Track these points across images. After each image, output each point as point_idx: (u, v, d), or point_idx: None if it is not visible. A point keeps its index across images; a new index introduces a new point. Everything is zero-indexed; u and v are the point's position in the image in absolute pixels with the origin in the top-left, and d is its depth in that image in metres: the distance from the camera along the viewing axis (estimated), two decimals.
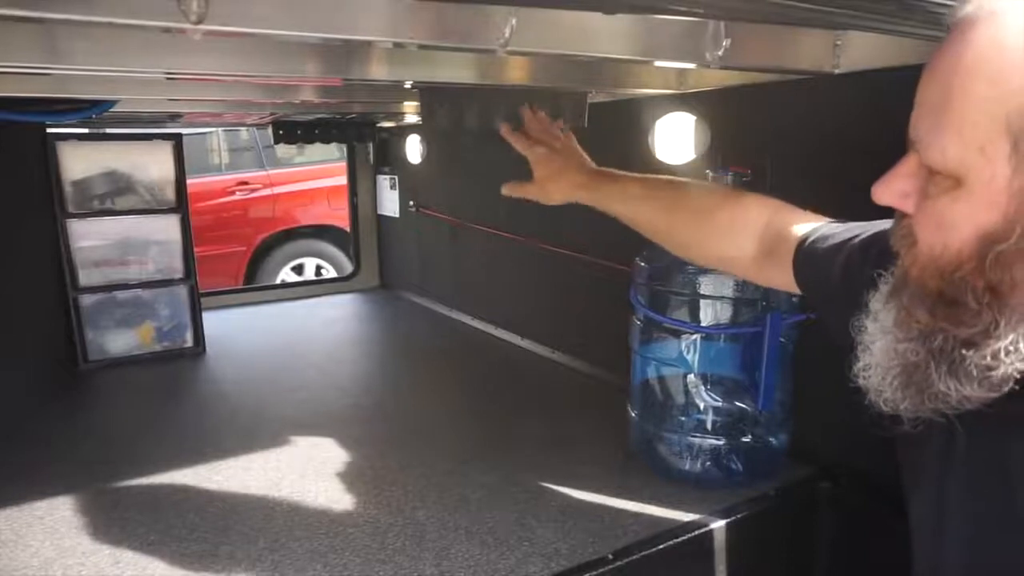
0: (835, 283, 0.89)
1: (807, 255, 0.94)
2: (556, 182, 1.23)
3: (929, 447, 0.69)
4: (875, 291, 0.69)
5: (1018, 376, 0.57)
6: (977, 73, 0.55)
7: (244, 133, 5.46)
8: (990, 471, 0.65)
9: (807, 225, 0.98)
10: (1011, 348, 0.56)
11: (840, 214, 0.96)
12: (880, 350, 0.65)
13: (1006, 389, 0.57)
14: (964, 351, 0.58)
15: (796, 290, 1.00)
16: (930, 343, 0.61)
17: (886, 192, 0.63)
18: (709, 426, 1.47)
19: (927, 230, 0.61)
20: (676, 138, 1.73)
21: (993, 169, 0.55)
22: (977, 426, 0.63)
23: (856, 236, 0.89)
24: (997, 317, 0.57)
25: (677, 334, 1.48)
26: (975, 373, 0.58)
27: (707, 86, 1.58)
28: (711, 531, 1.30)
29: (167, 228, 2.43)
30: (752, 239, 1.04)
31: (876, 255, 0.82)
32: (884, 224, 0.84)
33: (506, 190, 1.30)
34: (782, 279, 1.00)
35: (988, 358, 0.57)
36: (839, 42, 1.22)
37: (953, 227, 0.58)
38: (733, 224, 1.06)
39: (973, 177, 0.56)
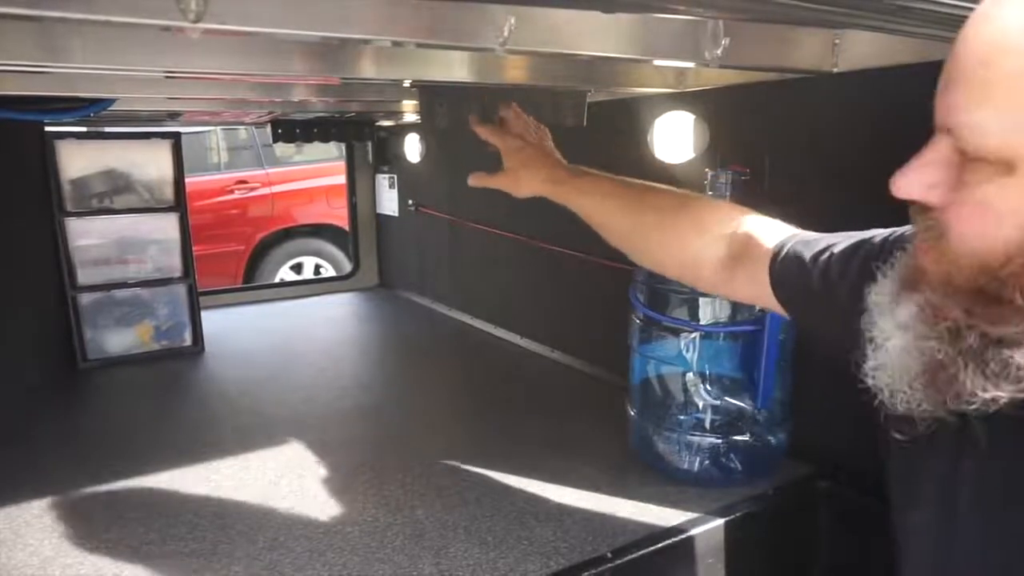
0: (816, 292, 0.87)
1: (785, 262, 0.92)
2: (527, 171, 1.21)
3: (935, 453, 0.66)
4: (874, 284, 0.65)
5: None
6: (1018, 46, 0.50)
7: (243, 132, 5.45)
8: (1010, 476, 0.62)
9: (780, 233, 0.96)
10: None
11: (839, 213, 0.96)
12: (898, 348, 0.61)
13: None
14: (1000, 350, 0.54)
15: (763, 302, 0.98)
16: (960, 342, 0.56)
17: (911, 184, 0.58)
18: (708, 425, 1.47)
19: (966, 222, 0.56)
20: (675, 137, 1.73)
21: None
22: (997, 430, 0.60)
23: (835, 244, 0.87)
24: None
25: (676, 333, 1.48)
26: (1009, 374, 0.54)
27: (706, 85, 1.58)
28: (710, 530, 1.30)
29: (166, 227, 2.43)
30: (721, 242, 1.01)
31: (858, 265, 0.81)
32: (862, 234, 0.84)
33: (473, 180, 1.27)
34: (750, 288, 0.98)
35: None
36: (838, 41, 1.22)
37: (999, 218, 0.53)
38: (702, 224, 1.04)
39: (1022, 162, 0.51)
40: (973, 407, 0.56)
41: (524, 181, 1.21)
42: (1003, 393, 0.55)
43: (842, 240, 0.87)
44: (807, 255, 0.89)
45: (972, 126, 0.53)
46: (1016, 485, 0.61)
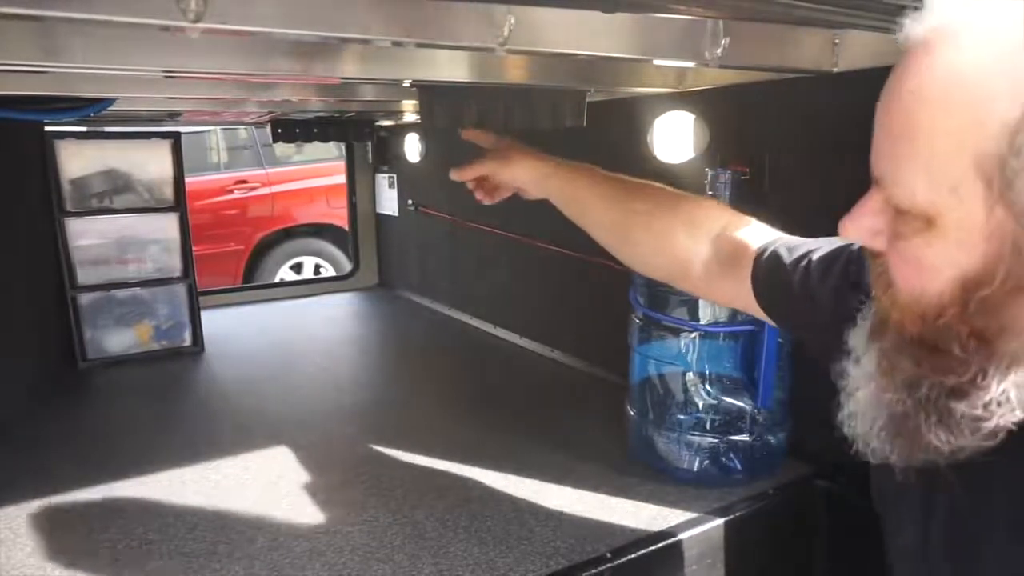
0: (796, 297, 0.87)
1: (767, 266, 0.92)
2: (518, 152, 1.16)
3: (911, 485, 0.66)
4: (855, 327, 0.65)
5: (1013, 428, 0.53)
6: (940, 106, 0.50)
7: (243, 132, 5.45)
8: (978, 517, 0.62)
9: (765, 236, 0.96)
10: (1001, 399, 0.52)
11: (839, 213, 0.95)
12: (864, 399, 0.61)
13: (1000, 438, 0.54)
14: (953, 402, 0.54)
15: (743, 305, 0.98)
16: (916, 392, 0.57)
17: (855, 229, 0.59)
18: (708, 425, 1.47)
19: (904, 273, 0.57)
20: (675, 137, 1.73)
21: (966, 210, 0.50)
22: (959, 472, 0.59)
23: (815, 249, 0.87)
24: (985, 365, 0.53)
25: (676, 332, 1.48)
26: (966, 425, 0.54)
27: (706, 85, 1.58)
28: (710, 530, 1.30)
29: (165, 227, 2.43)
30: (707, 242, 1.00)
31: (838, 272, 0.81)
32: (841, 241, 0.83)
33: (455, 174, 1.19)
34: (732, 291, 0.97)
35: (979, 409, 0.53)
36: (838, 41, 1.22)
37: (931, 270, 0.54)
38: (693, 222, 1.03)
39: (946, 218, 0.51)
40: (941, 456, 0.56)
41: (514, 160, 1.16)
42: (967, 443, 0.55)
43: (823, 245, 0.87)
44: (788, 259, 0.90)
45: (896, 180, 0.53)
46: (984, 527, 0.61)
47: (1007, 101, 0.48)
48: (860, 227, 0.58)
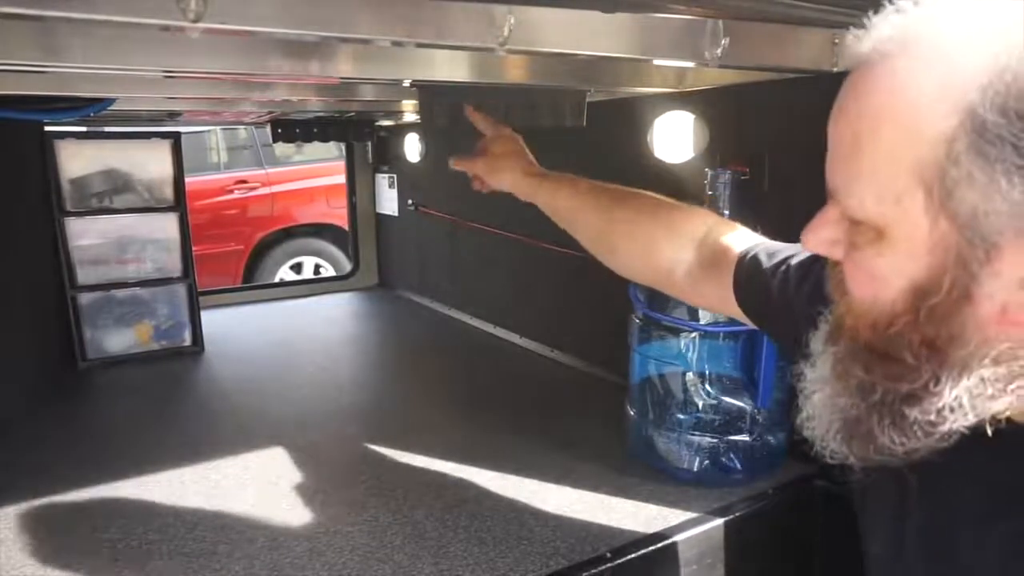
0: (774, 300, 0.88)
1: (748, 270, 0.93)
2: (508, 161, 1.23)
3: (883, 492, 0.68)
4: (813, 328, 0.66)
5: (963, 430, 0.54)
6: (882, 120, 0.51)
7: (242, 132, 5.46)
8: (941, 519, 0.63)
9: (748, 240, 0.97)
10: (955, 405, 0.53)
11: None
12: (819, 402, 0.63)
13: (954, 440, 0.55)
14: (905, 407, 0.55)
15: (726, 309, 0.98)
16: (869, 397, 0.58)
17: (814, 240, 0.61)
18: (708, 424, 1.47)
19: (857, 282, 0.58)
20: (675, 137, 1.73)
21: (911, 220, 0.51)
22: (927, 473, 0.61)
23: (794, 255, 0.88)
24: (937, 372, 0.54)
25: (676, 332, 1.48)
26: (919, 429, 0.55)
27: (706, 85, 1.58)
28: (709, 530, 1.30)
29: (165, 227, 2.43)
30: (691, 247, 1.02)
31: (815, 277, 0.82)
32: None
33: (454, 163, 1.30)
34: (715, 295, 0.98)
35: (932, 415, 0.54)
36: (838, 41, 1.22)
37: (882, 280, 0.55)
38: (674, 228, 1.05)
39: (894, 229, 0.53)
40: (896, 457, 0.57)
41: (502, 169, 1.24)
42: (919, 445, 0.56)
43: (801, 251, 0.87)
44: (767, 264, 0.91)
45: (847, 193, 0.55)
46: (955, 528, 0.62)
47: (944, 111, 0.48)
48: (818, 238, 0.60)
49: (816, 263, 0.82)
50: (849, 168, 0.55)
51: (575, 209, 1.15)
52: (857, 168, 0.54)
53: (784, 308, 0.87)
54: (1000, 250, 0.49)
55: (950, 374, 0.53)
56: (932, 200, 0.50)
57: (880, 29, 0.53)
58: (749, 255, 0.94)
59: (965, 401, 0.53)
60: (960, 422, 0.54)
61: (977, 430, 0.55)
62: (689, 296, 1.11)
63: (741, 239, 0.98)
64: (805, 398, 0.65)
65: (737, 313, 0.97)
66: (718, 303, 1.00)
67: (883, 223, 0.53)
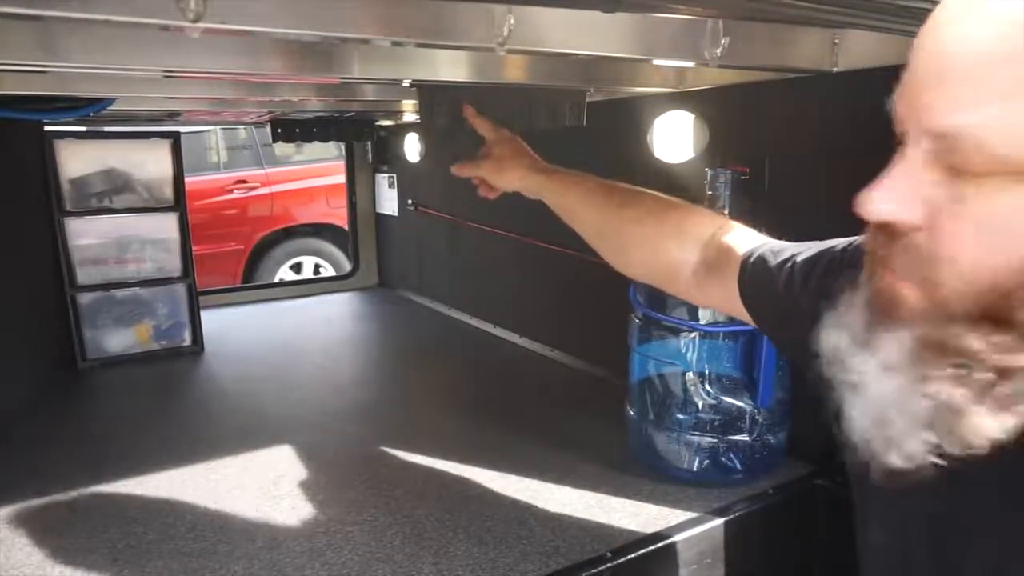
0: (780, 300, 0.87)
1: (753, 270, 0.92)
2: (512, 160, 1.21)
3: (894, 485, 0.60)
4: (836, 324, 0.59)
5: None
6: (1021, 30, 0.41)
7: (242, 132, 5.46)
8: (955, 509, 0.61)
9: (753, 241, 0.97)
10: None
11: (839, 213, 0.95)
12: (889, 392, 0.53)
13: None
14: (1009, 383, 0.48)
15: (732, 310, 0.98)
16: (969, 378, 0.49)
17: (886, 203, 0.50)
18: (707, 424, 1.47)
19: (967, 243, 0.48)
20: (674, 137, 1.73)
21: None
22: (942, 477, 0.54)
23: (799, 253, 0.87)
24: None
25: (676, 332, 1.48)
26: (1019, 407, 0.48)
27: (706, 85, 1.58)
28: (709, 529, 1.30)
29: (165, 226, 2.43)
30: (697, 248, 1.01)
31: (820, 274, 0.81)
32: (823, 244, 0.83)
33: (456, 170, 1.26)
34: (720, 295, 0.98)
35: None
36: (838, 40, 1.22)
37: (1012, 234, 0.46)
38: (681, 229, 1.04)
39: None
40: (991, 448, 0.50)
41: (508, 169, 1.22)
42: (1008, 429, 0.49)
43: (806, 249, 0.87)
44: (773, 263, 0.90)
45: (972, 129, 0.44)
46: (970, 521, 0.59)
47: None
48: (892, 199, 0.49)
49: (820, 261, 0.82)
50: (974, 93, 0.44)
51: (582, 207, 1.14)
52: (988, 92, 0.43)
53: (790, 306, 0.86)
54: None
55: None
56: None
57: None
58: (755, 255, 0.94)
59: None
60: None
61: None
62: (695, 297, 1.11)
63: (747, 240, 0.98)
64: (857, 391, 0.55)
65: (742, 314, 0.97)
66: (723, 303, 1.00)
67: (1021, 158, 0.43)
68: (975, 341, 0.49)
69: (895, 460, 0.53)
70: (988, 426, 0.49)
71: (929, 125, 0.47)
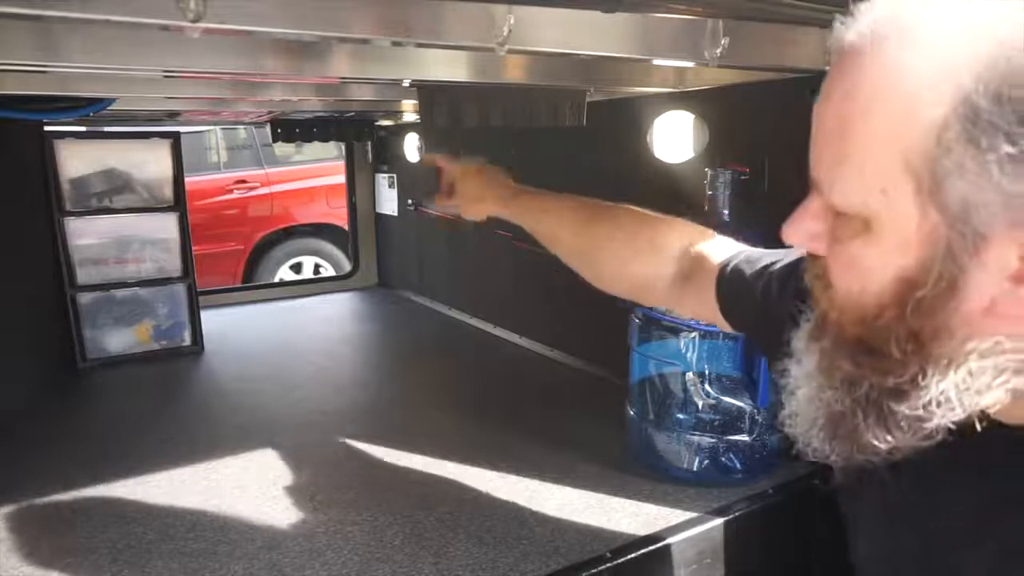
0: (758, 308, 0.89)
1: (730, 279, 0.93)
2: (480, 195, 1.27)
3: (874, 490, 0.66)
4: (796, 329, 0.65)
5: (950, 426, 0.54)
6: (871, 108, 0.50)
7: (242, 131, 5.46)
8: (933, 521, 0.63)
9: (728, 250, 0.98)
10: (941, 399, 0.53)
11: None
12: (804, 398, 0.62)
13: (938, 438, 0.54)
14: (892, 402, 0.55)
15: (709, 318, 0.99)
16: (854, 392, 0.57)
17: (795, 233, 0.60)
18: (707, 424, 1.47)
19: (842, 275, 0.57)
20: (674, 137, 1.73)
21: (899, 211, 0.50)
22: (919, 473, 0.61)
23: (776, 262, 0.88)
24: (924, 366, 0.53)
25: (676, 332, 1.48)
26: (905, 424, 0.55)
27: (706, 85, 1.58)
28: (709, 529, 1.30)
29: (165, 226, 2.42)
30: (672, 261, 1.02)
31: (797, 281, 0.82)
32: (800, 252, 0.85)
33: (436, 202, 1.35)
34: (699, 306, 0.99)
35: (919, 410, 0.54)
36: None
37: (868, 273, 0.54)
38: (654, 243, 1.05)
39: (881, 220, 0.51)
40: (878, 456, 0.57)
41: (479, 203, 1.28)
42: (904, 442, 0.55)
43: (783, 257, 0.88)
44: (749, 272, 0.91)
45: (832, 183, 0.54)
46: (947, 532, 0.62)
47: (936, 98, 0.47)
48: (800, 231, 0.60)
49: (797, 268, 0.82)
50: (834, 157, 0.54)
51: (553, 229, 1.17)
52: (843, 156, 0.53)
53: (768, 314, 0.87)
54: (988, 242, 0.48)
55: (937, 368, 0.53)
56: (922, 190, 0.49)
57: (869, 16, 0.52)
58: (731, 265, 0.95)
59: (952, 395, 0.53)
60: (947, 417, 0.53)
61: (964, 430, 0.55)
62: (673, 307, 1.13)
63: (722, 249, 0.99)
64: (789, 394, 0.64)
65: (721, 322, 0.98)
66: (702, 314, 1.01)
67: (869, 214, 0.52)
68: (847, 364, 0.57)
69: (811, 456, 0.62)
70: (870, 437, 0.56)
71: (812, 174, 0.58)
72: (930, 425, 0.54)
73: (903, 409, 0.54)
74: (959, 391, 0.52)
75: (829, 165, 0.55)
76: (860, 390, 0.57)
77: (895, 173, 0.49)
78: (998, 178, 0.46)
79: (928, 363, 0.53)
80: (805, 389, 0.62)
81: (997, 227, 0.48)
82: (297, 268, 5.55)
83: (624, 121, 1.84)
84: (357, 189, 3.44)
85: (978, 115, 0.46)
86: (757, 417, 1.45)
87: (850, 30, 0.53)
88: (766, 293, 0.88)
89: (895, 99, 0.49)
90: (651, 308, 1.51)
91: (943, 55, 0.48)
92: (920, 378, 0.53)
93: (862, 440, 0.57)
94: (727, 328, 0.98)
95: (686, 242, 1.03)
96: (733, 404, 1.47)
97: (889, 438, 0.55)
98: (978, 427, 0.55)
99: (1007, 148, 0.45)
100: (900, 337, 0.53)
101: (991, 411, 0.55)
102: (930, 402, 0.53)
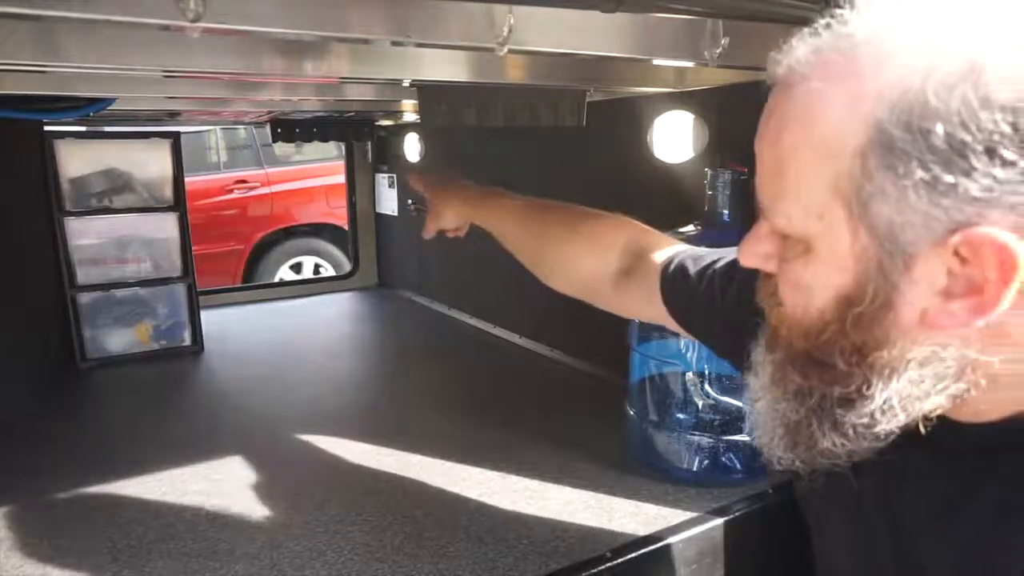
0: (703, 305, 0.90)
1: (675, 277, 0.94)
2: (444, 206, 1.30)
3: (841, 498, 0.70)
4: (754, 341, 0.68)
5: (897, 430, 0.57)
6: (800, 139, 0.54)
7: (242, 131, 5.46)
8: (900, 522, 0.65)
9: (671, 248, 0.99)
10: (885, 407, 0.56)
11: None
12: (763, 409, 0.65)
13: (891, 440, 0.57)
14: (841, 411, 0.58)
15: (656, 318, 0.99)
16: (807, 402, 0.60)
17: (749, 256, 0.64)
18: (707, 424, 1.47)
19: (789, 293, 0.61)
20: (674, 137, 1.73)
21: (835, 234, 0.53)
22: (871, 475, 0.64)
23: (718, 260, 0.90)
24: (868, 376, 0.56)
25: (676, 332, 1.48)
26: (855, 431, 0.58)
27: (706, 85, 1.58)
28: (709, 529, 1.30)
29: (165, 226, 2.42)
30: (614, 256, 1.03)
31: (740, 281, 0.83)
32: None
33: (425, 233, 1.38)
34: (642, 303, 0.99)
35: (866, 417, 0.57)
36: None
37: (811, 291, 0.58)
38: (595, 238, 1.06)
39: (819, 243, 0.55)
40: (839, 459, 0.60)
41: (443, 213, 1.31)
42: (858, 446, 0.58)
43: (726, 255, 0.89)
44: (693, 270, 0.92)
45: (774, 209, 0.58)
46: (914, 532, 0.64)
47: (855, 129, 0.50)
48: (753, 253, 0.63)
49: (738, 267, 0.84)
50: (774, 187, 0.57)
51: (507, 231, 1.20)
52: (781, 187, 0.56)
53: (711, 314, 0.89)
54: (915, 259, 0.51)
55: (880, 377, 0.56)
56: (852, 214, 0.52)
57: (797, 50, 0.56)
58: (674, 263, 0.95)
59: (895, 403, 0.56)
60: (893, 423, 0.56)
61: (918, 431, 0.58)
62: (619, 307, 1.12)
63: (663, 246, 1.00)
64: (750, 406, 0.67)
65: (668, 321, 0.98)
66: (646, 312, 1.02)
67: (808, 237, 0.56)
68: (797, 376, 0.61)
69: (777, 465, 0.64)
70: (827, 443, 0.59)
71: (759, 199, 0.61)
72: (877, 431, 0.57)
73: (852, 417, 0.57)
74: (901, 398, 0.56)
75: (771, 194, 0.58)
76: (811, 400, 0.60)
77: (827, 199, 0.53)
78: (915, 201, 0.49)
79: (872, 373, 0.56)
80: (763, 401, 0.65)
81: (921, 246, 0.50)
82: (297, 268, 5.55)
83: (624, 121, 1.84)
84: (357, 189, 3.44)
85: (893, 143, 0.48)
86: None
87: (780, 64, 0.57)
88: (709, 292, 0.89)
89: (820, 130, 0.52)
90: None
91: (859, 87, 0.50)
92: (865, 388, 0.56)
93: (820, 446, 0.60)
94: (674, 327, 0.98)
95: (625, 240, 1.04)
96: (733, 404, 1.47)
97: (844, 443, 0.58)
98: (922, 429, 0.58)
99: (921, 174, 0.48)
100: (844, 350, 0.57)
101: (938, 412, 0.58)
102: (875, 410, 0.56)
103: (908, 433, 0.58)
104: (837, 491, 0.69)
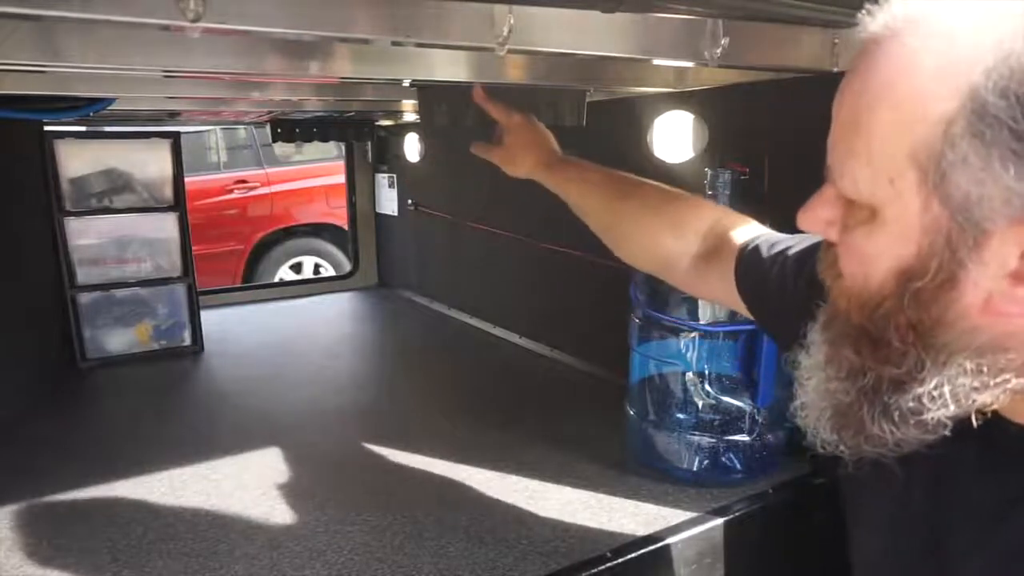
0: (773, 291, 0.88)
1: (749, 260, 0.93)
2: (524, 152, 1.26)
3: (884, 481, 0.66)
4: (813, 322, 0.66)
5: (948, 421, 0.54)
6: (882, 99, 0.51)
7: (242, 131, 5.46)
8: (941, 515, 0.63)
9: (752, 231, 0.98)
10: (935, 394, 0.53)
11: None
12: (813, 389, 0.63)
13: (943, 432, 0.54)
14: (893, 394, 0.55)
15: (731, 301, 0.98)
16: (858, 382, 0.58)
17: (809, 219, 0.61)
18: (707, 424, 1.47)
19: (849, 262, 0.58)
20: (674, 137, 1.73)
21: (904, 202, 0.51)
22: (918, 466, 0.61)
23: (792, 246, 0.88)
24: (923, 357, 0.54)
25: (676, 331, 1.48)
26: (905, 417, 0.55)
27: (706, 85, 1.58)
28: (709, 529, 1.30)
29: (165, 226, 2.43)
30: (697, 238, 1.03)
31: (812, 267, 0.82)
32: (819, 239, 0.85)
33: (475, 148, 1.35)
34: (719, 285, 0.98)
35: (913, 402, 0.54)
36: (837, 40, 1.22)
37: (871, 261, 0.55)
38: (681, 219, 1.06)
39: (886, 210, 0.52)
40: (887, 448, 0.57)
41: (519, 161, 1.26)
42: (908, 435, 0.55)
43: (802, 241, 0.88)
44: (767, 254, 0.91)
45: (842, 172, 0.55)
46: (954, 527, 0.61)
47: (945, 92, 0.48)
48: (814, 217, 0.60)
49: (813, 254, 0.83)
50: (847, 146, 0.54)
51: (586, 201, 1.17)
52: (854, 146, 0.53)
53: (781, 299, 0.87)
54: (989, 237, 0.49)
55: (935, 361, 0.53)
56: (926, 182, 0.49)
57: (892, 6, 0.53)
58: (750, 246, 0.94)
59: (946, 391, 0.53)
60: (942, 411, 0.53)
61: (971, 426, 0.55)
62: (691, 287, 1.12)
63: (745, 230, 0.99)
64: (800, 386, 0.65)
65: (738, 304, 0.97)
66: (722, 295, 1.00)
67: (875, 203, 0.53)
68: (850, 353, 0.58)
69: (820, 448, 0.61)
70: (875, 429, 0.56)
71: (829, 161, 0.57)
72: (925, 418, 0.54)
73: (901, 401, 0.55)
74: (954, 387, 0.53)
75: (842, 154, 0.55)
76: (864, 381, 0.57)
77: (902, 164, 0.50)
78: (1000, 173, 0.46)
79: (926, 355, 0.53)
80: (814, 380, 0.62)
81: (998, 222, 0.48)
82: (297, 268, 5.55)
83: (624, 121, 1.84)
84: (357, 189, 3.45)
85: (985, 110, 0.46)
86: (757, 417, 1.45)
87: (874, 19, 0.53)
88: (781, 276, 0.87)
89: (905, 92, 0.50)
90: (651, 308, 1.51)
91: (954, 49, 0.48)
92: (917, 370, 0.54)
93: (868, 431, 0.57)
94: (745, 312, 0.98)
95: (710, 222, 1.03)
96: (733, 404, 1.47)
97: (893, 430, 0.56)
98: (975, 423, 0.55)
99: (1012, 144, 0.46)
100: (900, 326, 0.54)
101: (994, 409, 0.55)
102: (923, 395, 0.54)
103: (960, 428, 0.55)
104: (881, 481, 0.66)
